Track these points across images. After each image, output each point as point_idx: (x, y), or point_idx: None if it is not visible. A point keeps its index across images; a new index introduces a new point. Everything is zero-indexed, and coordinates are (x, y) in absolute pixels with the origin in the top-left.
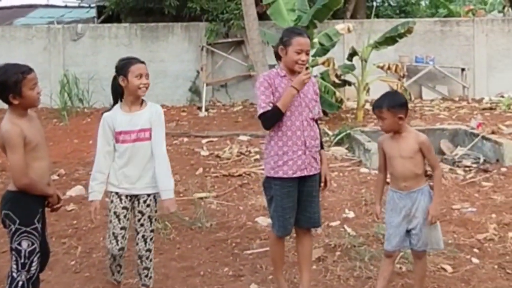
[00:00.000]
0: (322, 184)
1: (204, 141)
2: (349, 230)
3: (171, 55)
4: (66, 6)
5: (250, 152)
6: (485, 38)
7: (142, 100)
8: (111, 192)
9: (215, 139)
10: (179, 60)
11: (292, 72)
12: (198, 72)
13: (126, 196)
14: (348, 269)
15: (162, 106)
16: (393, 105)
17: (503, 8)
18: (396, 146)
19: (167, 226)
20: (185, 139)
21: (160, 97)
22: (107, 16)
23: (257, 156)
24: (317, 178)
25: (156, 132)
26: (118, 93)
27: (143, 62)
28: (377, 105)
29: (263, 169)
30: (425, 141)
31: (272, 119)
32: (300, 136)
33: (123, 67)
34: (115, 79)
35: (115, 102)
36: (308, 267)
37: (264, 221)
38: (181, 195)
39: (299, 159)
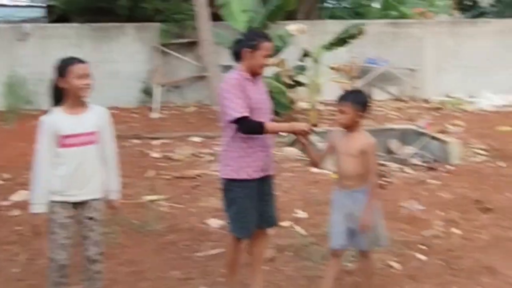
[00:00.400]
0: None
1: (155, 143)
2: (300, 230)
3: (123, 56)
4: (14, 6)
5: (203, 153)
6: (434, 40)
7: (85, 102)
8: (54, 201)
9: (167, 141)
10: (131, 61)
11: (253, 74)
12: (150, 73)
13: (71, 204)
14: (299, 269)
15: (114, 107)
16: (358, 101)
17: (451, 10)
18: (345, 144)
19: (115, 230)
20: (136, 141)
21: (111, 99)
22: (57, 16)
23: (210, 158)
24: (272, 178)
25: (106, 135)
26: (58, 95)
27: (85, 62)
28: (343, 98)
29: (217, 171)
30: (372, 145)
31: (254, 130)
32: (262, 137)
33: (63, 67)
34: (54, 80)
35: (55, 105)
36: (260, 268)
37: (215, 223)
38: (131, 198)
39: (261, 160)
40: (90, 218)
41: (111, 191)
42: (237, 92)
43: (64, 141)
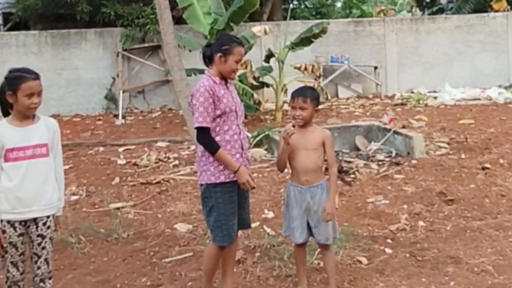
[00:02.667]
0: None
1: (121, 149)
2: (268, 230)
3: (85, 63)
4: None
5: (168, 158)
6: (395, 37)
7: (34, 114)
8: (3, 220)
9: (132, 147)
10: (93, 67)
11: (225, 78)
12: (114, 79)
13: (20, 222)
14: (268, 269)
15: (77, 115)
16: (315, 97)
17: (411, 8)
18: (301, 139)
19: (81, 240)
20: (101, 149)
21: (74, 106)
22: (14, 23)
23: (176, 162)
24: None
25: (56, 148)
26: (6, 107)
27: (37, 77)
28: (302, 94)
29: (182, 175)
30: (329, 136)
31: (206, 147)
32: (237, 139)
33: (14, 82)
34: (3, 92)
35: (4, 116)
36: (232, 271)
37: (183, 227)
38: (97, 206)
39: (237, 162)
40: (41, 236)
41: (59, 207)
42: (204, 101)
43: (8, 154)
